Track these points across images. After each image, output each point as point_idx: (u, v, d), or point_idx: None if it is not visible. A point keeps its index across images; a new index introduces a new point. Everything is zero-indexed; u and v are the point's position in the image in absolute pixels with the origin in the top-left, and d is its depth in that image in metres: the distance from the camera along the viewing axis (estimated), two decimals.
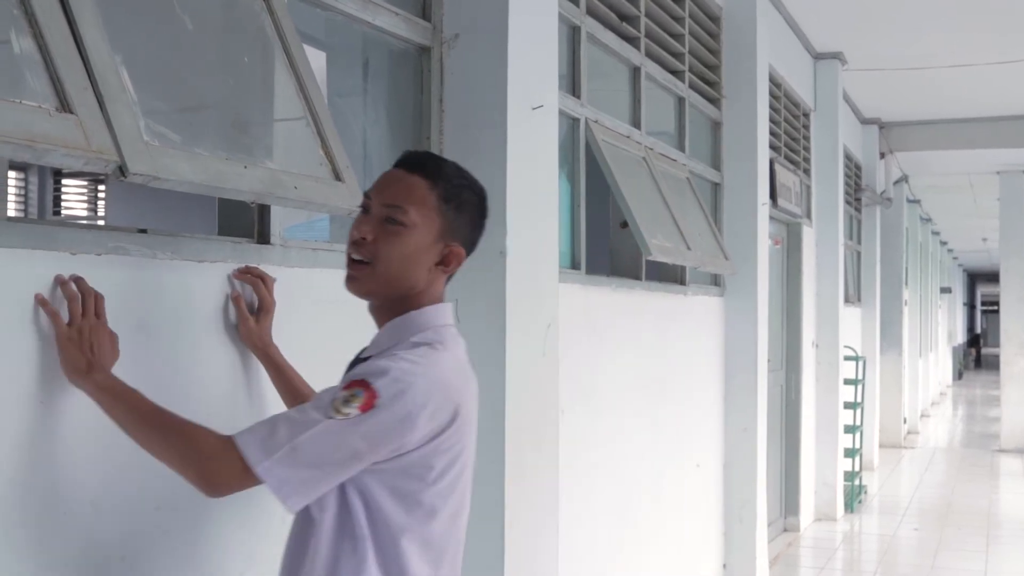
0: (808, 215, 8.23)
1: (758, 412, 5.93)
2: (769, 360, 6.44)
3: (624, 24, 4.68)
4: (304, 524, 1.83)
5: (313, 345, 2.40)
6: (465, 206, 1.91)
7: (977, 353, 37.59)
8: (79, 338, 1.78)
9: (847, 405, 8.96)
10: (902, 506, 9.45)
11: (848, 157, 9.95)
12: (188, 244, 2.12)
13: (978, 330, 44.31)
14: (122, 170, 1.75)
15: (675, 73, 5.37)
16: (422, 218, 1.84)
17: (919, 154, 11.79)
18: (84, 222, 7.36)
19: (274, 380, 2.25)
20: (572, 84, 4.14)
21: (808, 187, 8.29)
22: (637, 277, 4.77)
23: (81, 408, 1.81)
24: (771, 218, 6.72)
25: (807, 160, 8.29)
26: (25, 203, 7.17)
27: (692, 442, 5.42)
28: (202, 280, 2.16)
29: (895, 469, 11.56)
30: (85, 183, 7.55)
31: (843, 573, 7.10)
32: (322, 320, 2.46)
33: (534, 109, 3.18)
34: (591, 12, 4.28)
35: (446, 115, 3.11)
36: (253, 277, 2.25)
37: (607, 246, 4.82)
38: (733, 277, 5.90)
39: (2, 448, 1.71)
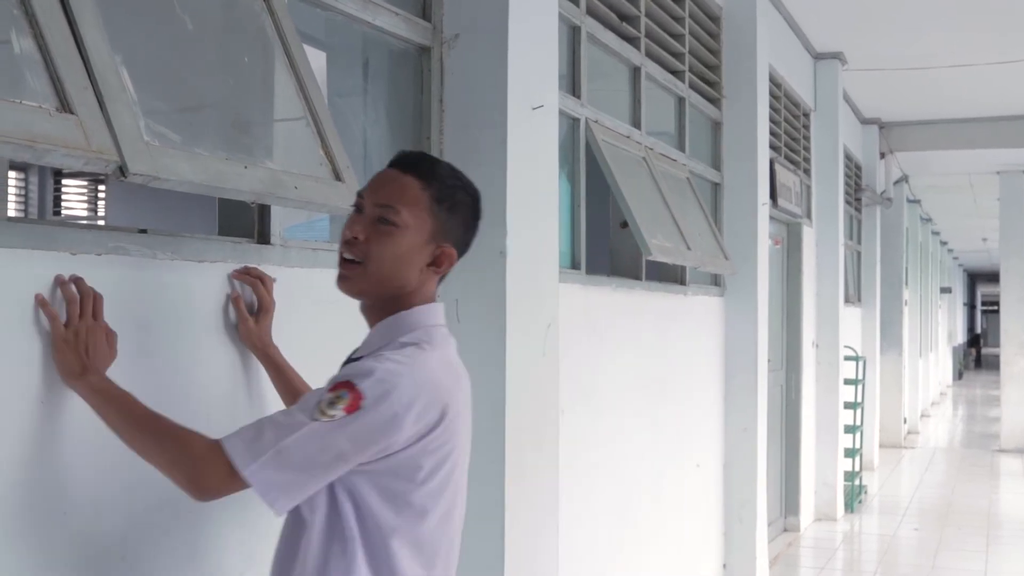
0: (808, 215, 8.23)
1: (758, 412, 5.93)
2: (769, 360, 6.44)
3: (624, 24, 4.68)
4: (295, 525, 1.83)
5: (313, 345, 2.40)
6: (458, 207, 1.91)
7: (977, 353, 37.60)
8: (75, 340, 1.78)
9: (847, 405, 8.96)
10: (902, 506, 9.45)
11: (848, 157, 9.95)
12: (188, 244, 2.12)
13: (978, 330, 44.32)
14: (122, 170, 1.75)
15: (675, 73, 5.37)
16: (414, 219, 1.84)
17: (919, 154, 11.79)
18: (84, 222, 7.36)
19: (274, 380, 2.25)
20: (572, 84, 4.14)
21: (808, 187, 8.29)
22: (637, 277, 4.77)
23: (82, 408, 1.81)
24: (771, 218, 6.72)
25: (807, 160, 8.29)
26: (25, 203, 7.17)
27: (692, 442, 5.42)
28: (202, 280, 2.16)
29: (895, 469, 11.56)
30: (85, 183, 7.55)
31: (843, 573, 7.10)
32: (322, 320, 2.46)
33: (534, 109, 3.18)
34: (591, 12, 4.28)
35: (446, 115, 3.11)
36: (252, 278, 2.25)
37: (607, 246, 4.82)
38: (733, 277, 5.90)
39: (2, 448, 1.71)
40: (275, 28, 2.33)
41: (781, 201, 6.91)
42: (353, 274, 1.85)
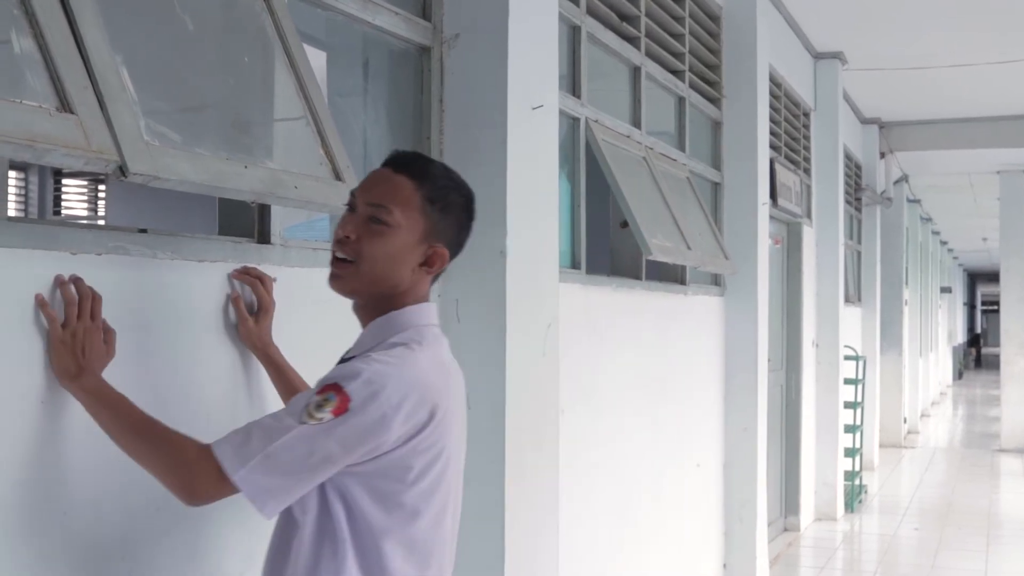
0: (808, 215, 8.23)
1: (758, 412, 5.93)
2: (769, 360, 6.44)
3: (624, 24, 4.68)
4: (286, 526, 1.83)
5: (313, 345, 2.40)
6: (451, 207, 1.90)
7: (977, 353, 37.60)
8: (72, 341, 1.78)
9: (847, 405, 8.96)
10: (902, 506, 9.45)
11: (848, 157, 9.95)
12: (188, 244, 2.12)
13: (978, 330, 44.32)
14: (122, 170, 1.75)
15: (675, 73, 5.37)
16: (406, 218, 1.84)
17: (919, 154, 11.79)
18: (84, 222, 7.36)
19: (274, 380, 2.25)
20: (572, 84, 4.14)
21: (808, 187, 8.29)
22: (637, 277, 4.77)
23: (82, 408, 1.81)
24: (771, 218, 6.72)
25: (807, 160, 8.29)
26: (25, 203, 7.17)
27: (692, 442, 5.42)
28: (202, 280, 2.16)
29: (895, 469, 11.56)
30: (85, 183, 7.54)
31: (843, 573, 7.10)
32: (322, 320, 2.46)
33: (534, 109, 3.18)
34: (591, 12, 4.28)
35: (446, 115, 3.11)
36: (252, 278, 2.25)
37: (607, 246, 4.82)
38: (733, 277, 5.90)
39: (2, 448, 1.71)
40: (275, 28, 2.33)
41: (781, 201, 6.91)
42: (345, 273, 1.86)
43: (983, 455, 12.81)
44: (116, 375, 1.84)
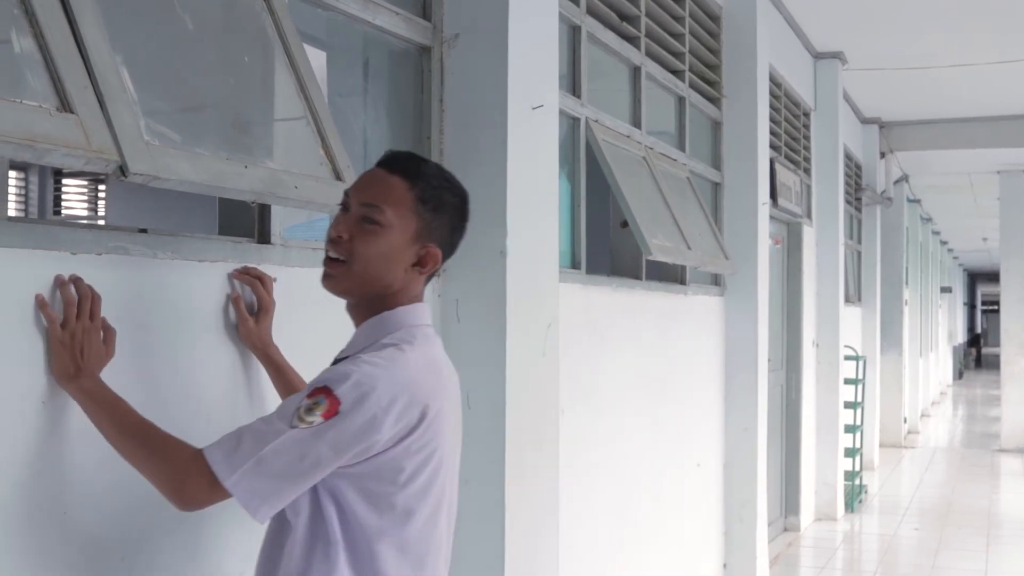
0: (808, 215, 8.23)
1: (758, 412, 5.93)
2: (769, 360, 6.44)
3: (624, 24, 4.68)
4: (279, 528, 1.83)
5: (313, 345, 2.40)
6: (444, 208, 1.90)
7: (977, 353, 37.61)
8: (71, 342, 1.78)
9: (847, 405, 8.96)
10: (902, 506, 9.45)
11: (848, 157, 9.95)
12: (188, 244, 2.12)
13: (978, 330, 44.31)
14: (123, 170, 1.75)
15: (675, 73, 5.37)
16: (399, 218, 1.84)
17: (919, 154, 11.79)
18: (84, 222, 7.36)
19: (274, 380, 2.25)
20: (572, 84, 4.14)
21: (808, 187, 8.29)
22: (637, 277, 4.77)
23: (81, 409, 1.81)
24: (771, 218, 6.72)
25: (807, 160, 8.29)
26: (25, 203, 7.16)
27: (692, 442, 5.42)
28: (202, 280, 2.16)
29: (895, 469, 11.56)
30: (85, 183, 7.54)
31: (843, 573, 7.10)
32: (322, 320, 2.45)
33: (534, 109, 3.18)
34: (591, 12, 4.28)
35: (446, 115, 3.11)
36: (252, 277, 2.25)
37: (607, 246, 4.82)
38: (733, 277, 5.90)
39: (3, 448, 1.71)
40: (275, 28, 2.33)
41: (781, 201, 6.91)
42: (338, 273, 1.86)
43: (983, 455, 12.81)
44: (116, 375, 1.84)
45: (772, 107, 6.76)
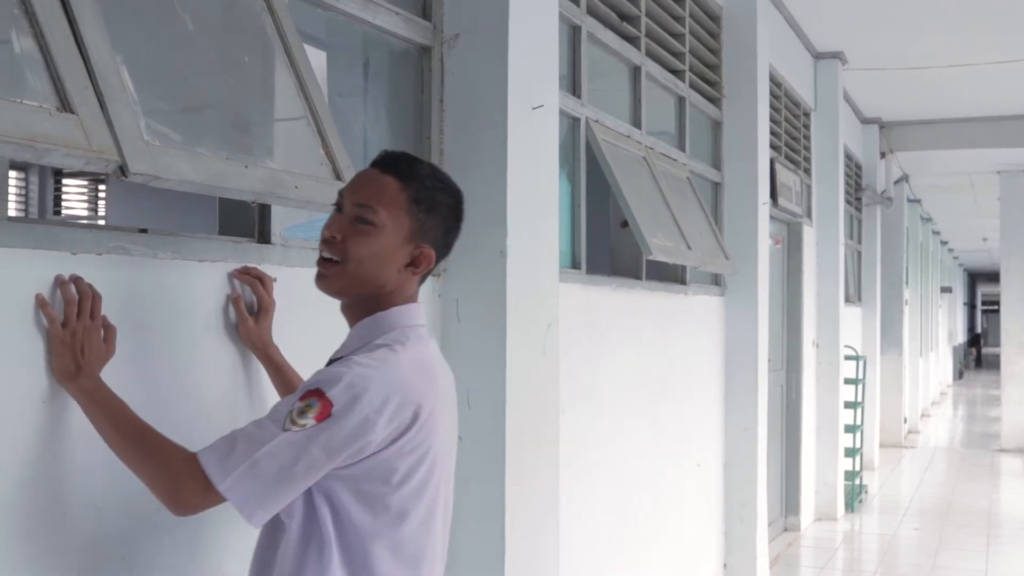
0: (808, 215, 8.23)
1: (759, 412, 5.93)
2: (769, 360, 6.44)
3: (624, 24, 4.68)
4: (273, 529, 1.83)
5: (313, 345, 2.39)
6: (437, 208, 1.90)
7: (977, 353, 37.61)
8: (71, 341, 1.78)
9: (847, 405, 8.96)
10: (902, 506, 9.45)
11: (848, 157, 9.95)
12: (188, 244, 2.12)
13: (978, 330, 44.31)
14: (123, 170, 1.75)
15: (675, 73, 5.37)
16: (392, 219, 1.84)
17: (919, 154, 11.79)
18: (84, 222, 7.36)
19: (274, 380, 2.25)
20: (572, 84, 4.14)
21: (808, 187, 8.29)
22: (637, 277, 4.77)
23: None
24: (771, 218, 6.72)
25: (807, 160, 8.29)
26: (25, 203, 7.16)
27: (693, 442, 5.42)
28: (202, 280, 2.16)
29: (895, 469, 11.56)
30: (85, 183, 7.54)
31: (843, 573, 7.10)
32: (322, 320, 2.45)
33: (534, 109, 3.18)
34: (591, 12, 4.28)
35: (446, 115, 3.11)
36: (252, 277, 2.25)
37: (607, 246, 4.82)
38: (733, 277, 5.90)
39: (2, 448, 1.71)
40: (275, 28, 2.33)
41: (781, 201, 6.91)
42: (331, 273, 1.86)
43: (983, 455, 12.81)
44: (116, 375, 1.84)
45: (772, 107, 6.76)
